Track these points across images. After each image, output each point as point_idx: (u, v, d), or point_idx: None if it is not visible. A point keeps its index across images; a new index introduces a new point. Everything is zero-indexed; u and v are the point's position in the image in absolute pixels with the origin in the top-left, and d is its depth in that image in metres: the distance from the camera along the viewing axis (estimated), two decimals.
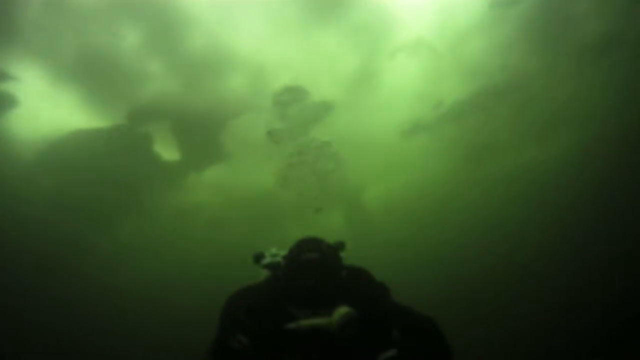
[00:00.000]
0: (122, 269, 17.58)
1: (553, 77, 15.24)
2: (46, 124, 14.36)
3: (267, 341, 2.19)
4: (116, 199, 16.50)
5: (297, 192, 17.11)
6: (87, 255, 17.01)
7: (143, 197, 17.05)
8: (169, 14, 13.55)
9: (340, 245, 2.70)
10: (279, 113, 15.45)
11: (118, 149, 15.26)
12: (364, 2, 14.04)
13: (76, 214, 16.23)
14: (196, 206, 17.71)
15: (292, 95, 14.76)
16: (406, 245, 18.18)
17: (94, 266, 17.08)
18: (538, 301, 15.20)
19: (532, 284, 16.26)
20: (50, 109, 14.11)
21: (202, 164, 16.96)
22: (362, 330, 2.16)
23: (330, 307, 2.20)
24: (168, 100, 14.81)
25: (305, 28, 14.53)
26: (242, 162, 16.81)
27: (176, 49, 14.32)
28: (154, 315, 16.83)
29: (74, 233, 16.47)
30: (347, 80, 15.68)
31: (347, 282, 2.42)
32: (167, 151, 16.21)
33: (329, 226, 18.81)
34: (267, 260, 2.72)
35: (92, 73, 14.07)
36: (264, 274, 2.72)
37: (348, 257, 2.71)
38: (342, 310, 2.15)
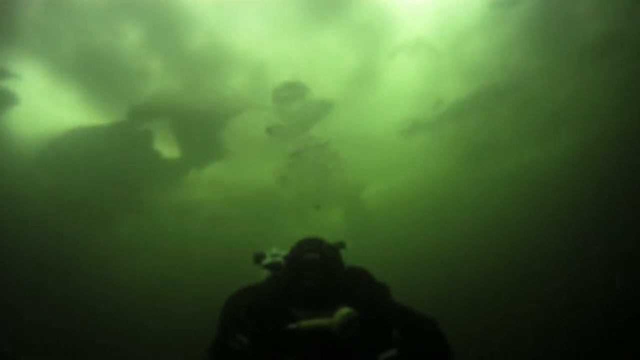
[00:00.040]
0: (122, 266, 17.61)
1: (553, 77, 15.24)
2: (46, 121, 14.38)
3: (268, 341, 2.19)
4: (116, 197, 16.52)
5: (296, 190, 17.18)
6: (87, 253, 17.03)
7: (143, 194, 17.07)
8: (170, 13, 13.55)
9: (340, 246, 2.68)
10: (279, 110, 15.47)
11: (118, 146, 15.27)
12: (364, 2, 14.04)
13: (76, 211, 16.25)
14: (196, 204, 17.73)
15: (292, 91, 14.78)
16: (406, 244, 18.21)
17: (94, 264, 17.11)
18: (538, 301, 15.21)
19: (532, 283, 16.28)
20: (51, 107, 14.12)
21: (202, 162, 16.97)
22: (363, 331, 2.16)
23: (331, 308, 2.20)
24: (168, 98, 14.82)
25: (305, 27, 14.53)
26: (242, 160, 16.82)
27: (176, 47, 14.33)
28: (155, 313, 16.86)
29: (74, 231, 16.49)
30: (347, 79, 15.68)
31: (347, 283, 2.42)
32: (167, 149, 16.22)
33: (329, 224, 18.85)
34: (268, 260, 2.72)
35: (92, 71, 14.08)
36: (264, 274, 2.72)
37: (348, 255, 2.71)
38: (343, 311, 2.15)
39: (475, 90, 15.67)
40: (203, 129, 15.84)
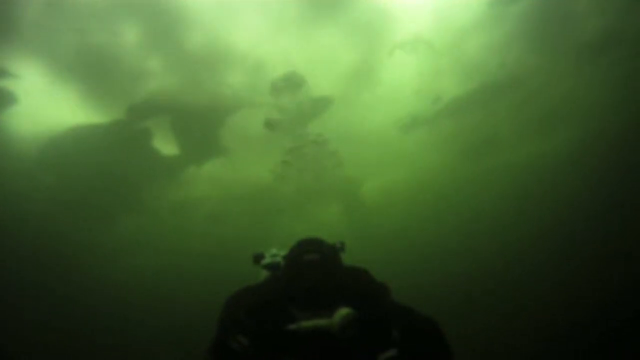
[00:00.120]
0: (122, 264, 17.62)
1: (552, 75, 15.26)
2: (46, 121, 14.38)
3: (267, 342, 2.20)
4: (115, 195, 16.53)
5: (295, 186, 17.21)
6: (87, 251, 17.04)
7: (142, 192, 17.09)
8: (168, 11, 13.54)
9: (340, 246, 2.68)
10: (277, 106, 15.50)
11: (117, 144, 15.28)
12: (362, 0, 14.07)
13: (76, 210, 16.26)
14: (195, 201, 17.75)
15: (289, 83, 14.80)
16: (404, 240, 18.24)
17: (94, 262, 17.12)
18: (536, 298, 15.25)
19: (531, 280, 16.31)
20: (50, 106, 14.12)
21: (201, 159, 16.99)
22: (363, 331, 2.17)
23: (330, 308, 2.20)
24: (167, 96, 14.82)
25: (304, 25, 14.53)
26: (240, 157, 16.83)
27: (175, 45, 14.32)
28: (155, 311, 16.86)
29: (73, 229, 16.49)
30: (346, 76, 15.70)
31: (347, 283, 2.41)
32: (166, 146, 16.23)
33: (328, 220, 18.89)
34: (267, 260, 2.72)
35: (91, 70, 14.08)
36: (263, 274, 2.73)
37: (347, 251, 2.71)
38: (343, 311, 2.15)
39: (473, 87, 15.70)
40: (202, 126, 15.85)
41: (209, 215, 18.05)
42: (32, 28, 12.81)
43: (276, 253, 2.76)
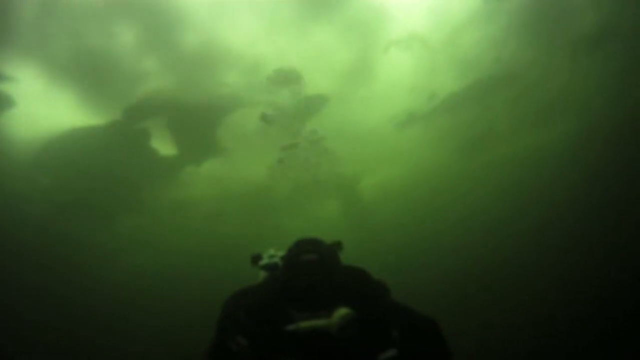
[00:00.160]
0: (121, 264, 17.65)
1: (548, 69, 15.29)
2: (44, 123, 14.40)
3: (266, 342, 2.19)
4: (114, 195, 16.57)
5: (292, 184, 17.23)
6: (86, 252, 17.06)
7: (141, 192, 17.12)
8: (163, 12, 13.53)
9: (338, 246, 2.67)
10: (274, 104, 15.49)
11: (115, 145, 15.30)
12: None
13: (75, 211, 16.28)
14: (194, 200, 17.80)
15: (285, 77, 14.79)
16: (401, 236, 18.28)
17: (93, 262, 17.13)
18: (534, 294, 15.27)
19: (528, 275, 16.32)
20: (47, 108, 14.13)
21: (199, 159, 17.03)
22: (362, 331, 2.15)
23: (329, 308, 2.19)
24: (164, 96, 14.83)
25: (299, 23, 14.55)
26: (238, 156, 16.85)
27: (171, 46, 14.33)
28: (154, 310, 16.87)
29: (73, 230, 16.51)
30: (342, 73, 15.73)
31: (345, 283, 2.40)
32: (163, 147, 16.25)
33: (325, 217, 18.91)
34: (265, 261, 2.70)
35: (88, 72, 14.09)
36: (261, 275, 2.71)
37: (345, 248, 2.70)
38: (342, 312, 2.14)
39: (469, 83, 15.73)
40: (199, 126, 15.87)
41: (208, 214, 18.09)
42: (28, 31, 12.82)
43: (274, 254, 2.74)
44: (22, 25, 12.69)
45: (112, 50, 13.89)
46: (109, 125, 14.97)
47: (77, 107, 14.52)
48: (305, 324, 2.18)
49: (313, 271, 2.35)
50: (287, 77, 14.87)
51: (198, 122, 15.68)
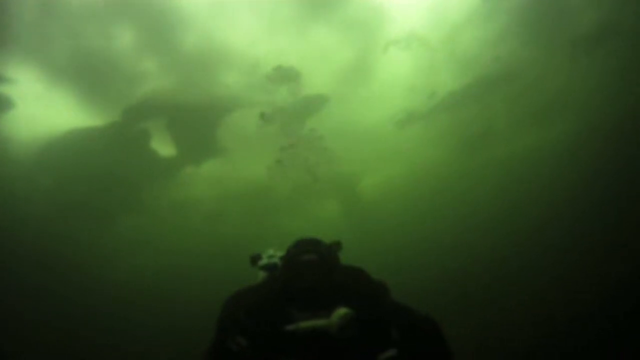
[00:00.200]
0: (121, 264, 17.66)
1: (547, 68, 15.29)
2: (43, 124, 14.44)
3: (266, 343, 2.20)
4: (114, 196, 16.59)
5: (292, 184, 17.24)
6: (87, 252, 17.07)
7: (141, 192, 17.14)
8: (163, 13, 13.55)
9: (337, 246, 2.65)
10: (273, 104, 15.50)
11: (115, 146, 15.33)
12: None
13: (75, 211, 16.30)
14: (194, 200, 17.80)
15: (284, 75, 14.80)
16: (400, 235, 18.26)
17: (93, 263, 17.15)
18: (533, 293, 15.26)
19: (528, 275, 16.33)
20: (47, 110, 14.18)
21: (199, 159, 17.05)
22: (362, 331, 2.16)
23: (329, 308, 2.19)
24: (163, 97, 14.85)
25: (298, 24, 14.58)
26: (237, 156, 16.86)
27: (170, 46, 14.36)
28: (154, 310, 16.87)
29: (73, 230, 16.53)
30: (341, 73, 15.76)
31: (345, 283, 2.40)
32: (164, 147, 16.27)
33: (326, 216, 18.91)
34: (264, 261, 2.70)
35: (87, 73, 14.12)
36: (261, 275, 2.71)
37: (345, 247, 2.70)
38: (341, 312, 2.14)
39: (468, 82, 15.73)
40: (199, 126, 15.89)
41: (208, 214, 18.10)
42: (28, 33, 12.85)
43: (273, 254, 2.74)
44: (22, 28, 12.73)
45: (112, 51, 13.93)
46: (109, 126, 15.00)
47: (77, 108, 14.57)
48: (305, 324, 2.18)
49: (312, 271, 2.36)
50: (285, 75, 14.88)
51: (198, 122, 15.70)
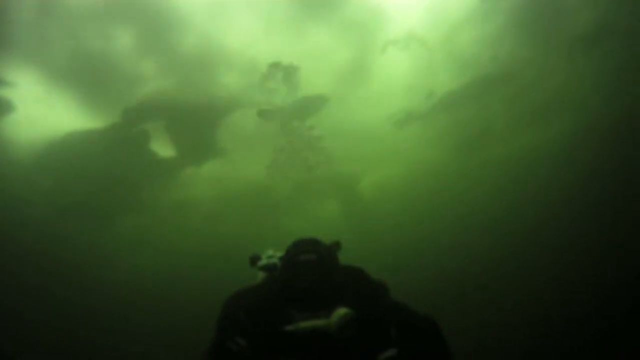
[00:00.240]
0: (122, 264, 17.66)
1: (544, 68, 15.31)
2: (44, 126, 14.46)
3: (266, 343, 2.21)
4: (115, 197, 16.59)
5: (291, 184, 17.24)
6: (87, 253, 17.06)
7: (142, 193, 17.13)
8: (161, 14, 13.54)
9: (336, 246, 2.65)
10: (272, 105, 15.51)
11: (115, 148, 15.35)
12: None
13: (76, 212, 16.31)
14: (194, 200, 17.80)
15: (283, 71, 14.81)
16: (399, 235, 18.27)
17: (94, 263, 17.14)
18: (530, 293, 15.30)
19: (524, 275, 16.35)
20: (47, 112, 14.19)
21: (199, 159, 17.06)
22: (361, 331, 2.17)
23: (328, 308, 2.19)
24: (163, 98, 14.85)
25: (297, 24, 14.59)
26: (237, 157, 16.86)
27: (169, 48, 14.36)
28: (154, 310, 16.87)
29: (74, 231, 16.54)
30: (340, 73, 15.77)
31: (344, 283, 2.40)
32: (163, 148, 16.28)
33: (325, 216, 18.91)
34: (263, 262, 2.70)
35: (87, 75, 14.13)
36: (260, 276, 2.71)
37: (345, 247, 2.70)
38: (341, 311, 2.14)
39: (466, 81, 15.75)
40: (198, 127, 15.89)
41: (208, 214, 18.09)
42: (27, 36, 12.86)
43: (272, 254, 2.73)
44: (21, 30, 12.73)
45: (111, 53, 13.94)
46: (109, 128, 15.02)
47: (77, 110, 14.59)
48: (304, 324, 2.18)
49: (312, 271, 2.35)
50: (284, 72, 14.90)
51: (197, 123, 15.71)
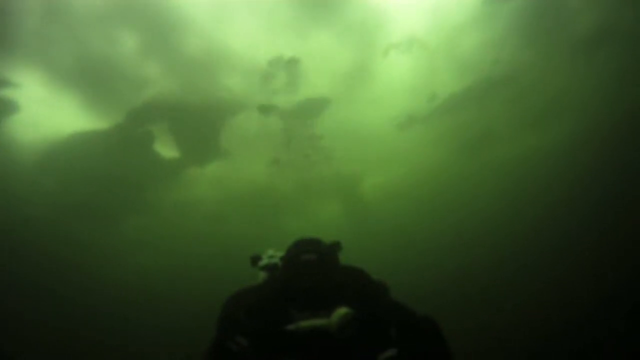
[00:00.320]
0: (125, 264, 17.71)
1: (546, 70, 15.31)
2: (48, 127, 14.53)
3: (266, 342, 2.22)
4: (118, 197, 16.64)
5: (293, 185, 17.26)
6: (91, 253, 17.09)
7: (145, 194, 17.16)
8: (165, 17, 13.58)
9: (337, 246, 2.63)
10: (274, 106, 15.52)
11: (119, 149, 15.40)
12: (357, 1, 14.10)
13: (80, 213, 16.36)
14: (197, 201, 17.83)
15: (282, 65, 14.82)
16: (402, 236, 18.28)
17: (97, 264, 17.20)
18: (530, 295, 15.28)
19: (525, 276, 16.34)
20: (52, 113, 14.24)
21: (202, 161, 17.09)
22: (362, 331, 2.18)
23: (329, 308, 2.19)
24: (166, 100, 14.91)
25: (299, 27, 14.61)
26: (240, 158, 16.89)
27: (173, 50, 14.39)
28: (156, 310, 16.89)
29: (77, 231, 16.58)
30: (342, 76, 15.79)
31: (345, 282, 2.40)
32: (167, 149, 16.33)
33: (327, 217, 18.92)
34: (264, 262, 2.70)
35: (91, 77, 14.18)
36: (261, 275, 2.71)
37: (346, 248, 2.70)
38: (341, 311, 2.15)
39: (469, 84, 15.74)
40: (201, 128, 15.93)
41: (210, 215, 18.12)
42: (32, 38, 12.92)
43: (273, 254, 2.73)
44: (26, 32, 12.80)
45: (115, 55, 14.00)
46: (113, 129, 15.09)
47: (81, 111, 14.66)
48: (305, 323, 2.19)
49: (312, 271, 2.34)
50: (285, 70, 14.92)
51: (200, 124, 15.76)
